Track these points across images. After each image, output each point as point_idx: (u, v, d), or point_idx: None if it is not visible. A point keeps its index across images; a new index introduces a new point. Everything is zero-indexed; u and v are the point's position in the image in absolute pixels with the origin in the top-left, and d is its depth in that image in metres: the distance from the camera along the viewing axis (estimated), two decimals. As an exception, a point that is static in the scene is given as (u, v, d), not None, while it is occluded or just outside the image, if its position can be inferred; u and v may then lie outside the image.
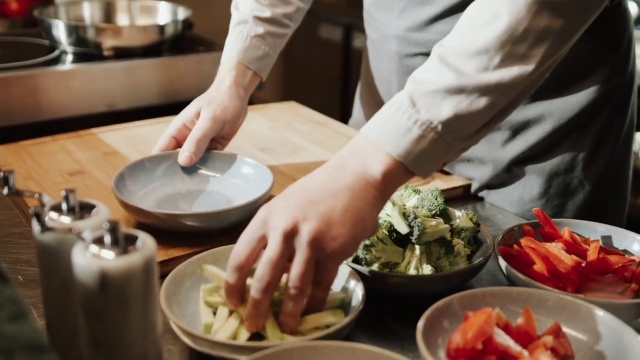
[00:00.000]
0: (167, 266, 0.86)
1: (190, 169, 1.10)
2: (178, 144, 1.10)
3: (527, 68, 0.78)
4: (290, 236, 0.71)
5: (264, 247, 0.73)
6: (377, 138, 0.77)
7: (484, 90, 0.77)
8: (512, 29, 0.77)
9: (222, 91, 1.11)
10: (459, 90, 0.76)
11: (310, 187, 0.75)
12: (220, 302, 0.79)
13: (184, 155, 1.07)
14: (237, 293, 0.75)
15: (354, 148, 0.78)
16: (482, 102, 0.77)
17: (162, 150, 1.10)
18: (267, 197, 0.96)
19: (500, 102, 0.79)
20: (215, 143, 1.13)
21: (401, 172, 0.77)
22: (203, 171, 1.10)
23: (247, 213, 0.95)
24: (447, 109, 0.76)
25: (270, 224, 0.73)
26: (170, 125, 1.11)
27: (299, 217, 0.72)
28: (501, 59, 0.77)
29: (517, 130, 1.12)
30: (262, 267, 0.72)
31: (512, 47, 0.77)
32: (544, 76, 0.82)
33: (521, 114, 1.11)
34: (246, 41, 1.14)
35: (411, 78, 0.80)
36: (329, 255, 0.73)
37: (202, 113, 1.08)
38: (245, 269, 0.74)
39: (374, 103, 1.35)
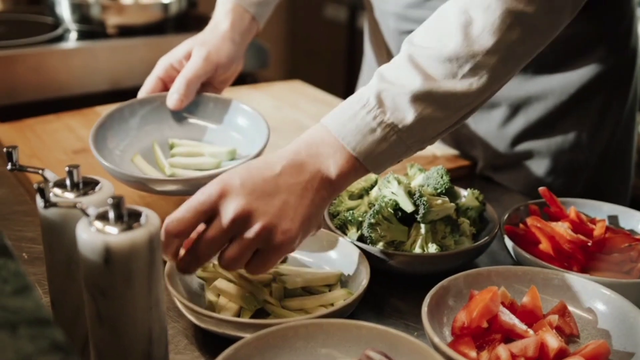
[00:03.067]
0: (171, 244, 0.86)
1: (179, 116, 1.02)
2: (165, 86, 1.02)
3: (494, 80, 0.77)
4: (240, 223, 0.71)
5: (207, 220, 0.72)
6: (339, 134, 0.75)
7: (449, 97, 0.76)
8: (485, 39, 0.75)
9: (217, 34, 1.03)
10: (426, 96, 0.75)
11: (266, 178, 0.73)
12: (214, 275, 0.80)
13: (173, 97, 0.98)
14: (172, 255, 0.73)
15: (312, 142, 0.77)
16: (446, 109, 0.76)
17: (148, 93, 1.01)
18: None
19: (464, 110, 0.78)
20: (207, 90, 1.05)
21: (357, 169, 0.76)
22: (193, 120, 1.02)
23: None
24: (411, 114, 0.75)
25: (223, 204, 0.71)
26: (156, 66, 1.03)
27: (253, 206, 0.71)
28: (470, 68, 0.76)
29: (518, 107, 1.11)
30: (203, 244, 0.71)
31: (483, 57, 0.75)
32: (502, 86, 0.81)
33: (521, 90, 1.10)
34: None
35: (378, 74, 0.78)
36: (274, 248, 0.72)
37: (193, 53, 1.00)
38: (183, 238, 0.72)
39: None
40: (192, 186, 0.87)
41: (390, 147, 0.75)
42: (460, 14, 0.76)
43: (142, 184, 0.87)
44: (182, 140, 1.01)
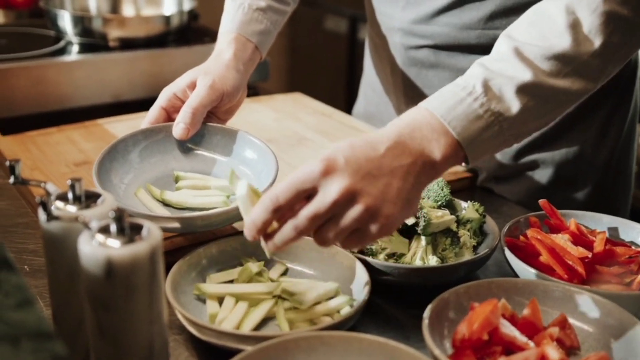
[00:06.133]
0: (173, 256, 0.86)
1: (185, 147, 1.00)
2: (169, 116, 1.01)
3: (593, 81, 0.80)
4: (342, 202, 0.70)
5: (308, 196, 0.72)
6: (445, 118, 0.75)
7: (552, 93, 0.78)
8: (591, 40, 0.78)
9: (220, 62, 1.02)
10: (532, 89, 0.77)
11: (370, 158, 0.72)
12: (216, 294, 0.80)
13: (179, 127, 0.96)
14: (261, 231, 0.73)
15: (415, 124, 0.75)
16: (547, 104, 0.78)
17: (151, 123, 1.00)
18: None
19: (562, 108, 0.80)
20: (212, 120, 1.04)
21: (458, 156, 0.76)
22: (199, 151, 1.01)
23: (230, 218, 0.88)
24: (517, 105, 0.76)
25: (327, 181, 0.71)
26: (159, 96, 1.01)
27: (357, 187, 0.70)
28: (574, 68, 0.78)
29: None
30: (304, 220, 0.70)
31: (587, 58, 0.78)
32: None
33: None
34: (248, 13, 1.07)
35: (481, 65, 0.79)
36: (374, 229, 0.72)
37: (198, 82, 0.98)
38: (281, 213, 0.72)
39: (376, 95, 1.35)
40: (202, 223, 0.86)
41: (492, 136, 0.77)
42: (566, 13, 0.79)
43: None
44: (187, 173, 0.99)
